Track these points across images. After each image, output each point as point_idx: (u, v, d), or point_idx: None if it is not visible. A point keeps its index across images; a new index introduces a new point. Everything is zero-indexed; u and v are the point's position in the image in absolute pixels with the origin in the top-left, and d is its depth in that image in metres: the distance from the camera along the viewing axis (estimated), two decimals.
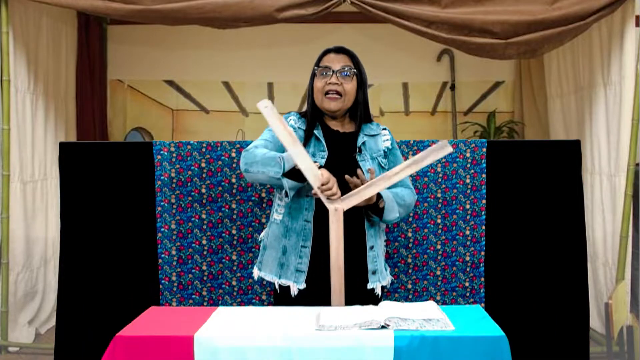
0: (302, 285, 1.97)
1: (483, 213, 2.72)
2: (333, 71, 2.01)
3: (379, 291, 2.04)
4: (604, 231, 3.44)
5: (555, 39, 3.18)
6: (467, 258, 2.74)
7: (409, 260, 2.74)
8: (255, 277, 2.11)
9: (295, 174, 1.88)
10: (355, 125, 2.08)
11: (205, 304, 2.72)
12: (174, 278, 2.71)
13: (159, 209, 2.69)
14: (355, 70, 2.04)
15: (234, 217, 2.71)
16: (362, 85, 2.07)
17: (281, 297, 2.00)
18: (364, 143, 2.06)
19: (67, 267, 2.67)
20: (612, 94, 3.38)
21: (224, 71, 4.81)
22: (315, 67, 2.05)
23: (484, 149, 2.71)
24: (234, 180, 2.70)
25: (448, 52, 4.74)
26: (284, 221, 2.02)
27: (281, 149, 1.96)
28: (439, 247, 2.74)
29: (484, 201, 2.72)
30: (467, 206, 2.72)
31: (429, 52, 4.71)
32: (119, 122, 4.86)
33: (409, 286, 2.75)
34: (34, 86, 3.67)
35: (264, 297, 2.74)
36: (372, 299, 2.00)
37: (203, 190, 2.70)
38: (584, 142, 3.46)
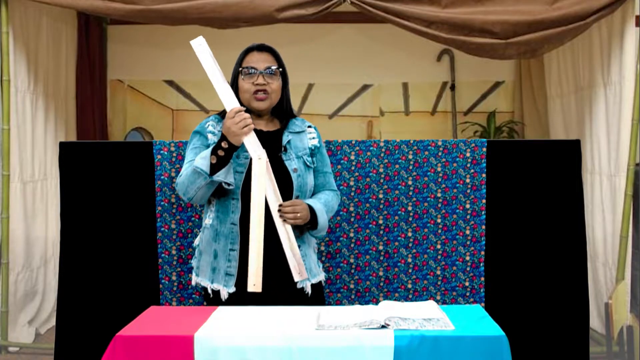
0: (232, 289, 1.98)
1: (483, 213, 2.72)
2: (258, 71, 2.02)
3: (308, 290, 2.03)
4: (604, 231, 3.44)
5: (555, 39, 3.18)
6: (467, 258, 2.73)
7: (409, 260, 2.74)
8: (193, 283, 2.12)
9: (217, 165, 1.87)
10: (279, 123, 2.10)
11: (205, 303, 2.72)
12: (174, 278, 2.71)
13: (159, 208, 2.69)
14: (280, 69, 2.05)
15: None
16: (285, 83, 2.09)
17: (213, 302, 2.00)
18: (289, 142, 2.06)
19: (67, 267, 2.67)
20: (612, 94, 3.38)
21: (224, 71, 4.79)
22: (239, 68, 2.06)
23: (484, 149, 2.71)
24: None
25: (448, 52, 4.74)
26: (213, 225, 2.03)
27: None
28: (439, 246, 2.74)
29: (484, 201, 2.72)
30: (467, 206, 2.72)
31: (429, 52, 4.70)
32: (119, 122, 4.86)
33: (409, 286, 2.75)
34: (34, 86, 3.67)
35: None
36: (302, 297, 2.00)
37: None
38: (584, 142, 3.46)
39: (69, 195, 2.68)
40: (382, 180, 2.69)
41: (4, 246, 3.37)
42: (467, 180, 2.72)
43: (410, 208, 2.71)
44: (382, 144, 2.70)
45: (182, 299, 2.72)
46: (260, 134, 2.01)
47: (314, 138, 2.13)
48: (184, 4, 3.12)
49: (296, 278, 1.97)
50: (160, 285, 2.70)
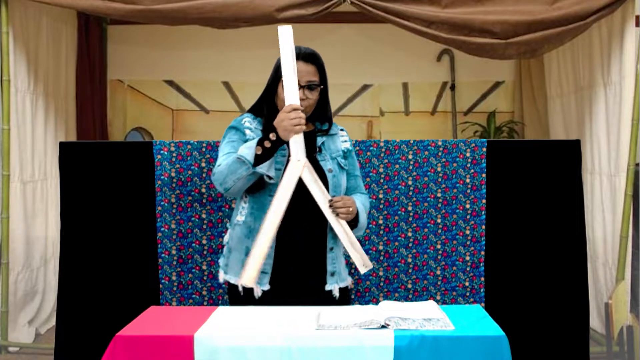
0: (266, 287, 1.96)
1: (483, 213, 2.72)
2: (300, 86, 1.95)
3: (336, 293, 2.02)
4: (604, 231, 3.44)
5: (555, 39, 3.18)
6: (467, 258, 2.74)
7: (409, 260, 2.74)
8: (221, 280, 2.10)
9: (262, 157, 1.86)
10: (313, 125, 2.09)
11: (205, 303, 2.72)
12: (174, 278, 2.71)
13: (159, 208, 2.69)
14: (320, 87, 2.02)
15: None
16: (324, 93, 2.07)
17: (244, 300, 1.96)
18: (323, 143, 2.06)
19: (67, 267, 2.67)
20: (612, 94, 3.38)
21: (224, 71, 4.81)
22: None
23: (484, 149, 2.71)
24: None
25: (448, 52, 4.74)
26: (246, 222, 2.01)
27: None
28: (439, 246, 2.74)
29: (484, 201, 2.72)
30: (467, 206, 2.72)
31: (429, 52, 4.70)
32: (119, 122, 4.86)
33: (409, 286, 2.75)
34: (34, 86, 3.67)
35: None
36: (329, 300, 1.99)
37: (203, 190, 2.70)
38: (584, 142, 3.46)
39: (69, 195, 2.68)
40: (382, 180, 2.69)
41: (4, 246, 3.37)
42: (467, 180, 2.72)
43: (410, 208, 2.71)
44: (382, 144, 2.70)
45: (182, 299, 2.72)
46: None
47: (345, 141, 2.13)
48: (184, 4, 3.12)
49: (362, 270, 1.98)
50: (160, 285, 2.70)
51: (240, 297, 1.99)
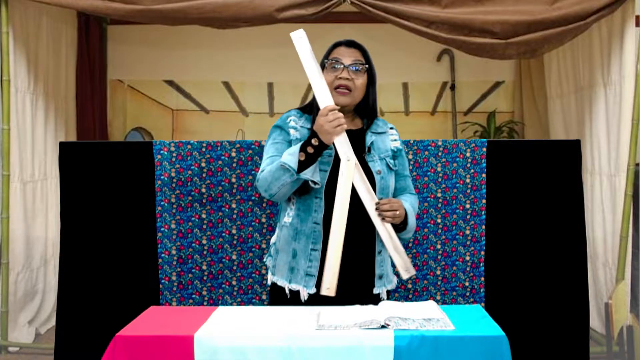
0: (312, 290, 1.91)
1: (483, 213, 2.72)
2: (344, 65, 1.93)
3: (384, 296, 2.00)
4: (604, 231, 3.44)
5: (555, 39, 3.18)
6: (467, 258, 2.74)
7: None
8: (269, 282, 2.04)
9: (305, 163, 1.83)
10: (361, 122, 2.03)
11: (205, 303, 2.72)
12: (174, 278, 2.71)
13: (159, 208, 2.69)
14: (366, 66, 1.97)
15: (234, 216, 2.71)
16: (372, 81, 2.00)
17: (289, 303, 1.93)
18: (372, 142, 1.99)
19: (67, 267, 2.67)
20: (612, 94, 3.38)
21: (224, 71, 4.81)
22: (325, 60, 1.97)
23: (484, 149, 2.71)
24: (234, 180, 2.70)
25: (448, 52, 4.74)
26: (293, 224, 1.95)
27: None
28: (439, 246, 2.74)
29: (484, 201, 2.72)
30: (467, 206, 2.72)
31: (429, 52, 4.70)
32: (119, 122, 4.86)
33: (409, 286, 2.75)
34: (34, 86, 3.67)
35: (264, 297, 2.74)
36: (376, 303, 1.94)
37: (203, 190, 2.70)
38: (584, 142, 3.46)
39: (69, 195, 2.68)
40: None
41: (4, 246, 3.36)
42: (467, 180, 2.72)
43: None
44: None
45: (182, 299, 2.72)
46: None
47: (395, 140, 2.07)
48: (184, 4, 3.12)
49: (404, 275, 1.95)
50: (160, 285, 2.70)
51: (287, 299, 1.95)
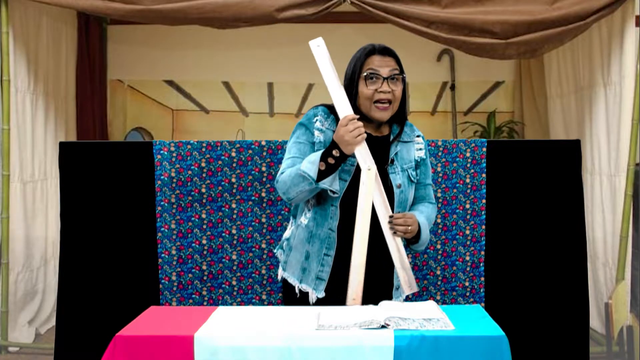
0: (322, 294, 1.91)
1: (483, 213, 2.72)
2: (383, 78, 1.87)
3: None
4: (604, 231, 3.44)
5: (555, 39, 3.18)
6: (467, 258, 2.74)
7: (409, 260, 2.74)
8: (279, 277, 2.04)
9: (325, 172, 1.81)
10: (389, 128, 1.98)
11: (205, 303, 2.72)
12: (174, 278, 2.71)
13: (159, 208, 2.69)
14: (403, 75, 1.92)
15: (234, 216, 2.71)
16: (404, 88, 1.94)
17: (299, 302, 1.93)
18: (396, 153, 1.94)
19: (67, 267, 2.67)
20: (612, 94, 3.38)
21: (224, 71, 4.81)
22: (358, 71, 1.90)
23: (484, 149, 2.71)
24: (234, 180, 2.70)
25: (448, 52, 4.74)
26: (308, 226, 1.93)
27: None
28: (439, 246, 2.74)
29: (484, 201, 2.72)
30: (467, 206, 2.72)
31: (429, 52, 4.70)
32: (119, 122, 4.86)
33: None
34: (34, 86, 3.67)
35: (264, 297, 2.74)
36: None
37: (203, 190, 2.70)
38: (584, 142, 3.46)
39: (69, 195, 2.68)
40: None
41: (4, 246, 3.36)
42: (467, 180, 2.72)
43: None
44: None
45: (182, 299, 2.72)
46: (369, 138, 1.88)
47: (420, 150, 2.00)
48: (184, 4, 3.12)
49: (407, 291, 1.92)
50: (160, 285, 2.70)
51: (296, 298, 1.95)
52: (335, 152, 1.79)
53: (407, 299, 2.01)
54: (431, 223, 2.04)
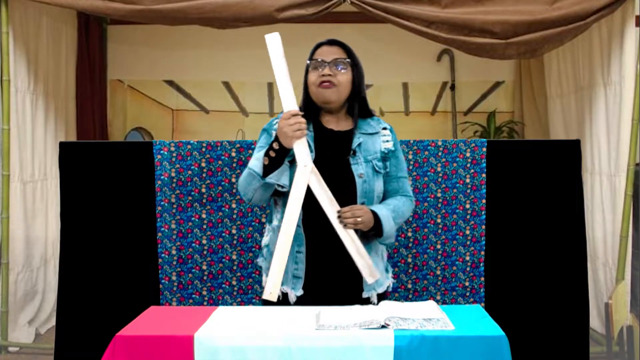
0: (300, 292, 1.92)
1: (483, 213, 2.72)
2: (326, 63, 1.92)
3: (375, 300, 1.96)
4: (604, 231, 3.44)
5: (555, 39, 3.18)
6: (467, 258, 2.74)
7: (409, 260, 2.74)
8: (263, 284, 2.02)
9: (269, 167, 1.82)
10: (352, 123, 1.99)
11: (205, 303, 2.72)
12: (174, 278, 2.71)
13: (159, 208, 2.69)
14: (349, 61, 1.94)
15: (234, 216, 2.71)
16: (358, 77, 1.98)
17: (280, 305, 1.91)
18: (359, 144, 1.94)
19: (67, 267, 2.67)
20: (612, 94, 3.38)
21: (224, 71, 4.81)
22: (309, 61, 1.97)
23: (484, 149, 2.71)
24: (233, 180, 2.70)
25: (448, 52, 4.74)
26: (279, 226, 1.93)
27: None
28: (439, 246, 2.74)
29: (484, 201, 2.72)
30: (467, 206, 2.72)
31: (429, 52, 4.71)
32: (119, 122, 4.87)
33: (409, 286, 2.75)
34: (34, 86, 3.67)
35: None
36: None
37: (203, 190, 2.70)
38: (584, 142, 3.46)
39: (69, 195, 2.68)
40: None
41: (4, 246, 3.37)
42: (467, 180, 2.72)
43: None
44: None
45: (182, 299, 2.72)
46: (330, 133, 1.93)
47: (387, 141, 2.00)
48: (184, 4, 3.12)
49: (369, 280, 1.88)
50: (160, 285, 2.71)
51: (278, 301, 1.92)
52: (275, 145, 1.82)
53: (407, 299, 2.01)
54: (403, 215, 2.00)
